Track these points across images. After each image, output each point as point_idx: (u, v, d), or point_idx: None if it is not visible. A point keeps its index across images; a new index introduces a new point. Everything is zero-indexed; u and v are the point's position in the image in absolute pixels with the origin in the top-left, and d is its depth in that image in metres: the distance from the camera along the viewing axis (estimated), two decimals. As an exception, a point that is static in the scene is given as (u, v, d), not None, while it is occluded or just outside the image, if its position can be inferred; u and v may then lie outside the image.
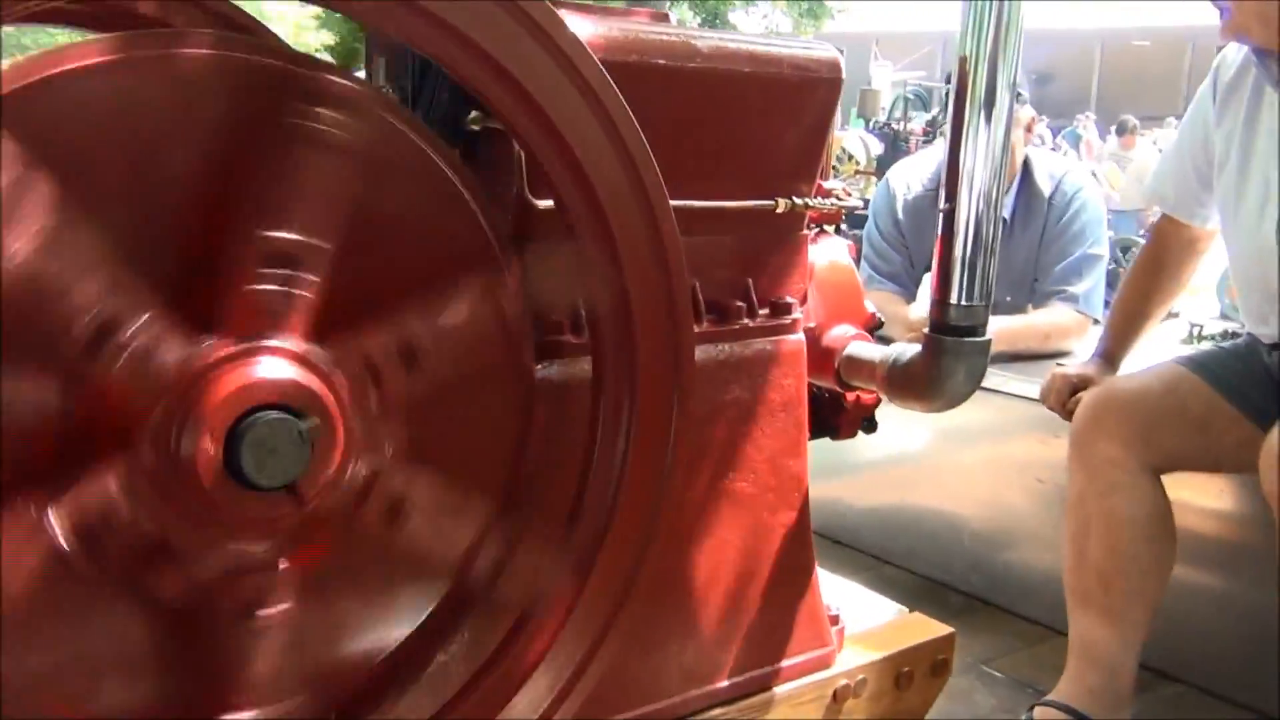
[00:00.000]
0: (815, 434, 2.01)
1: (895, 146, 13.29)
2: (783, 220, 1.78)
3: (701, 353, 1.64)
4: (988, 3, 1.66)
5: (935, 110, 14.61)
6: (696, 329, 1.64)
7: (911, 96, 15.40)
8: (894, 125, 14.54)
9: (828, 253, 2.04)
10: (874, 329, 2.07)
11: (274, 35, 1.79)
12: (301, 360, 1.07)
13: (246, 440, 1.01)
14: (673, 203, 1.37)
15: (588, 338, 1.47)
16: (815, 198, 1.84)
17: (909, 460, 3.31)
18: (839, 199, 1.91)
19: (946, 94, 14.26)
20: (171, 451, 1.01)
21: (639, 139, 1.32)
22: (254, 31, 1.66)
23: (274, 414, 1.04)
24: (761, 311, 1.78)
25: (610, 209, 1.31)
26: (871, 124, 14.44)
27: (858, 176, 10.92)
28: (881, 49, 22.38)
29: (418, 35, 1.13)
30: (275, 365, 1.05)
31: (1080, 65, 32.48)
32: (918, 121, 14.57)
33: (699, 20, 20.02)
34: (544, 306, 1.52)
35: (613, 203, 1.31)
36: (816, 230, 2.01)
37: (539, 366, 1.51)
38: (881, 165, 10.92)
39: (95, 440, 1.02)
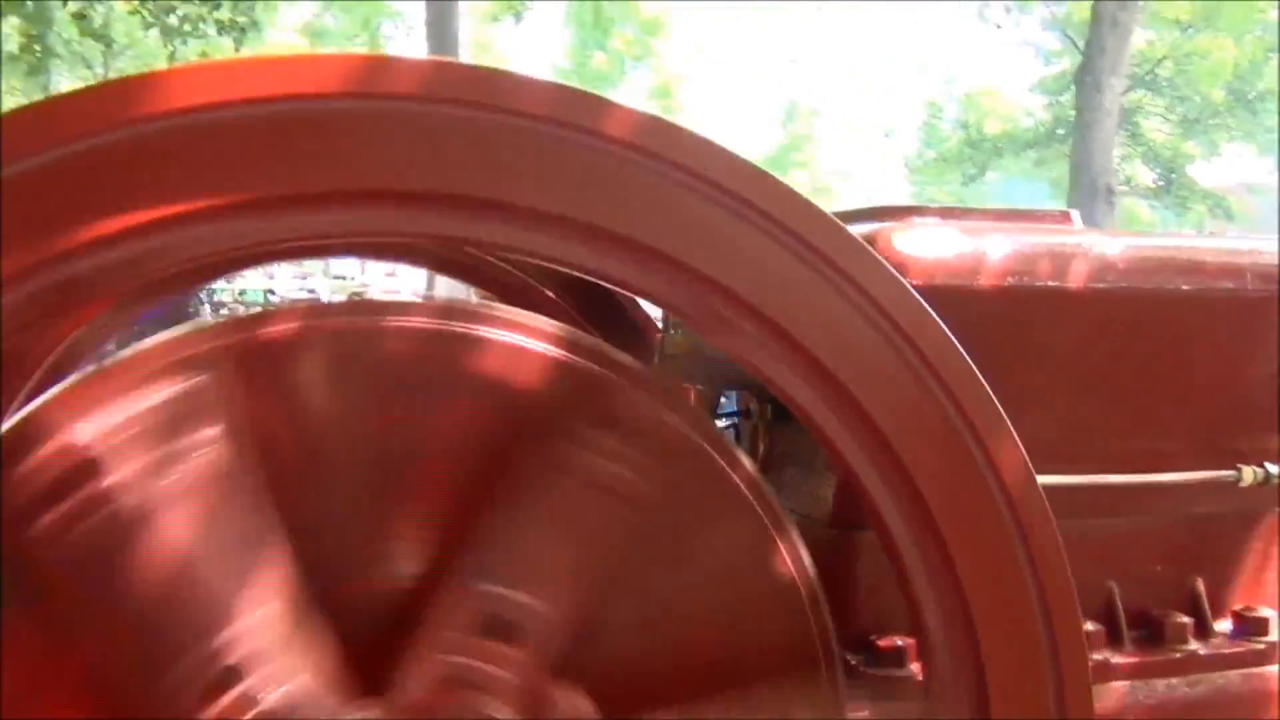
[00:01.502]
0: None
1: None
2: (1249, 495, 1.23)
3: (1121, 695, 1.13)
4: None
5: None
6: (1115, 657, 1.15)
7: None
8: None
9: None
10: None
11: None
12: None
13: None
14: (1082, 480, 1.04)
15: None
16: (1302, 458, 1.26)
17: None
18: (1342, 459, 1.30)
19: None
20: None
21: (985, 401, 0.88)
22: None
23: None
24: (1220, 629, 1.23)
25: (939, 508, 0.87)
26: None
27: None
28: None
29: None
30: None
31: None
32: None
33: (1155, 174, 18.37)
34: (868, 623, 1.11)
35: (940, 497, 0.88)
36: (1304, 499, 1.40)
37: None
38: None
39: None
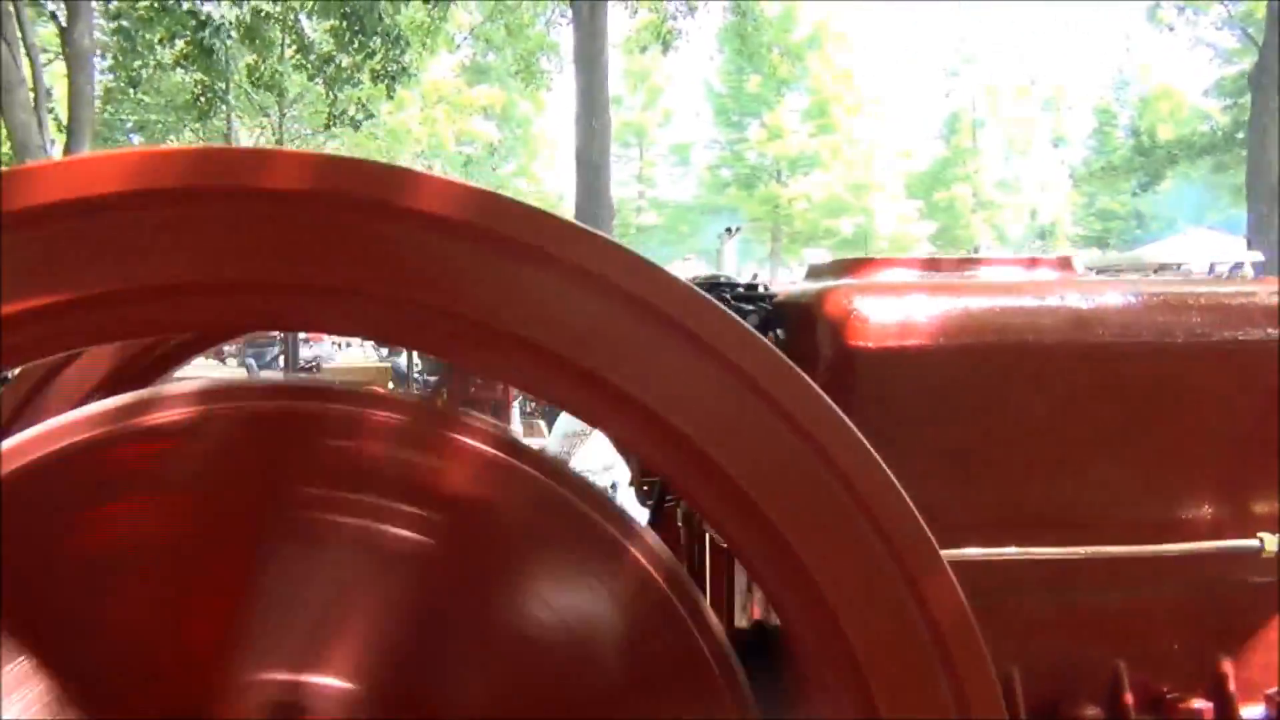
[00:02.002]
0: None
1: None
2: (1274, 565, 1.11)
3: (1119, 789, 1.03)
4: None
5: None
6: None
7: None
8: None
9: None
10: None
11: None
12: None
13: None
14: (1081, 552, 0.99)
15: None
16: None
17: None
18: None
19: None
20: None
21: (894, 498, 0.79)
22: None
23: None
24: (1250, 714, 1.11)
25: (844, 612, 0.80)
26: None
27: None
28: None
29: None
30: None
31: None
32: None
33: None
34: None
35: (842, 596, 0.80)
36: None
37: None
38: None
39: None
